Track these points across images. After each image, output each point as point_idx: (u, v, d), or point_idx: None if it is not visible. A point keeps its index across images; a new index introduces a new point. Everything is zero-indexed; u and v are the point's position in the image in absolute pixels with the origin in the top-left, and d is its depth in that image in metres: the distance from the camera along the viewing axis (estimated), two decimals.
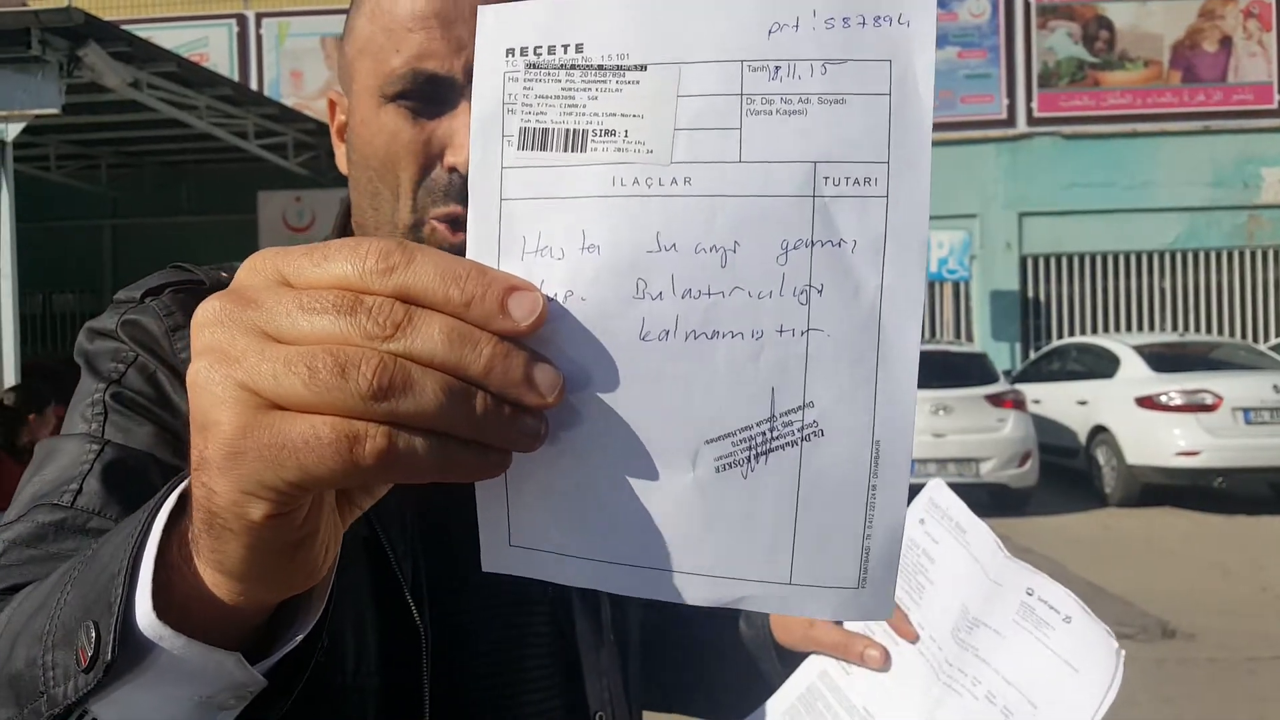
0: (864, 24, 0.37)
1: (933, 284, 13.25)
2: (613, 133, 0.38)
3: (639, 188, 0.38)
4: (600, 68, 0.38)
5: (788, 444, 0.38)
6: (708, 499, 0.39)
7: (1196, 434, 8.85)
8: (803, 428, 0.38)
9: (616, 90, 0.38)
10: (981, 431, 8.97)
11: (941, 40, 13.48)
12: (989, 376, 9.48)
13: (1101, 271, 13.66)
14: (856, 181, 0.37)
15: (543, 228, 0.38)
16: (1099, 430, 9.78)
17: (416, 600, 0.68)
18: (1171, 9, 13.39)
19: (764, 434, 0.38)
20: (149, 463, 0.64)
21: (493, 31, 0.39)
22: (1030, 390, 10.36)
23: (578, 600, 0.79)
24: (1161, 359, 9.68)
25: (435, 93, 0.67)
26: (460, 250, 0.41)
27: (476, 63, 0.40)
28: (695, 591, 0.40)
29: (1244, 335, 13.25)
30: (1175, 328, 13.35)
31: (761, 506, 0.39)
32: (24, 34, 7.70)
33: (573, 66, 0.38)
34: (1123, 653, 0.73)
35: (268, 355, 0.36)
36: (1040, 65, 13.48)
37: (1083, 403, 10.11)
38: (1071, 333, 13.28)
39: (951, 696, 0.78)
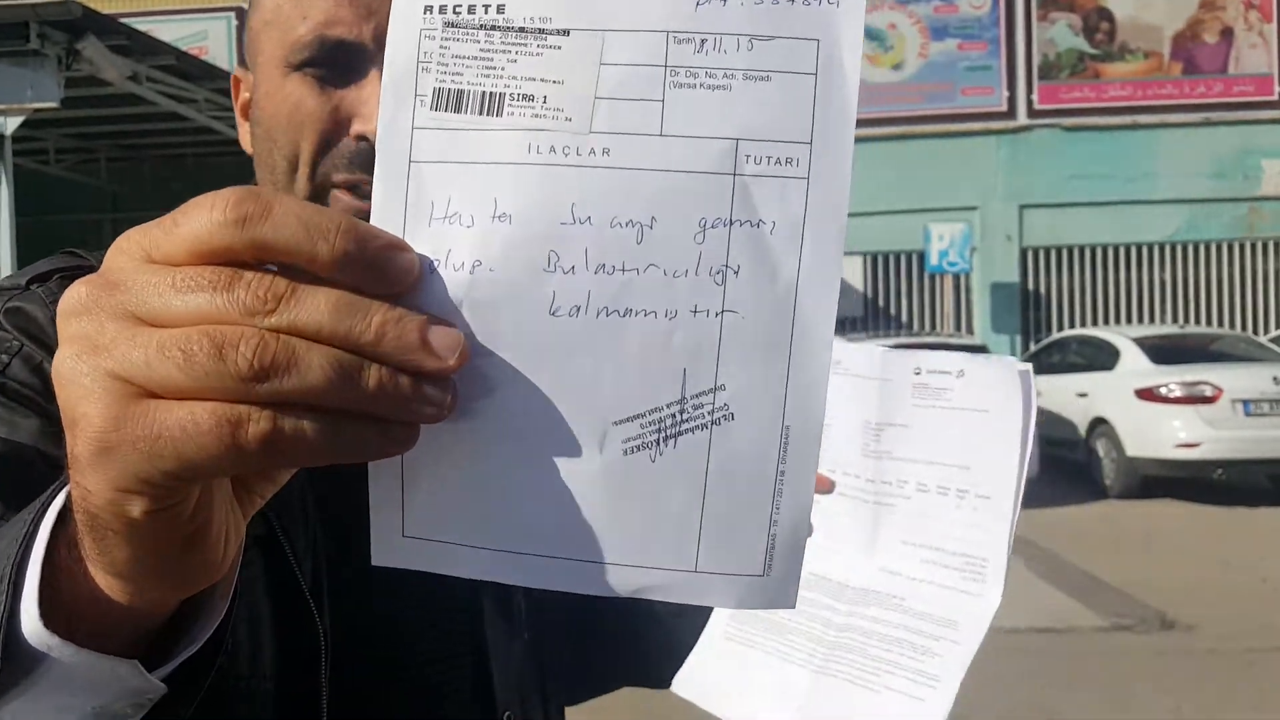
0: (793, 1, 0.37)
1: (933, 276, 13.24)
2: (531, 98, 0.37)
3: (555, 156, 0.36)
4: (521, 30, 0.37)
5: (697, 427, 0.37)
6: (615, 484, 0.38)
7: (1196, 426, 8.86)
8: (713, 411, 0.37)
9: (537, 54, 0.37)
10: None
11: (942, 32, 13.46)
12: None
13: (1102, 263, 13.65)
14: (778, 161, 0.37)
15: (453, 193, 0.37)
16: (1099, 422, 9.79)
17: (316, 600, 0.64)
18: (1172, 0, 13.36)
19: (674, 416, 0.37)
20: (35, 457, 0.59)
21: None
22: None
23: (490, 596, 0.75)
24: (1161, 351, 9.68)
25: (344, 60, 0.64)
26: (365, 217, 0.38)
27: (392, 17, 0.38)
28: (599, 581, 0.38)
29: (1244, 327, 13.25)
30: (1175, 320, 13.34)
31: (669, 492, 0.38)
32: (22, 27, 7.69)
33: (493, 27, 0.37)
34: (1029, 367, 0.71)
35: (139, 340, 0.34)
36: (1041, 57, 13.45)
37: (1083, 395, 10.12)
38: (1072, 325, 13.28)
39: (886, 513, 0.76)
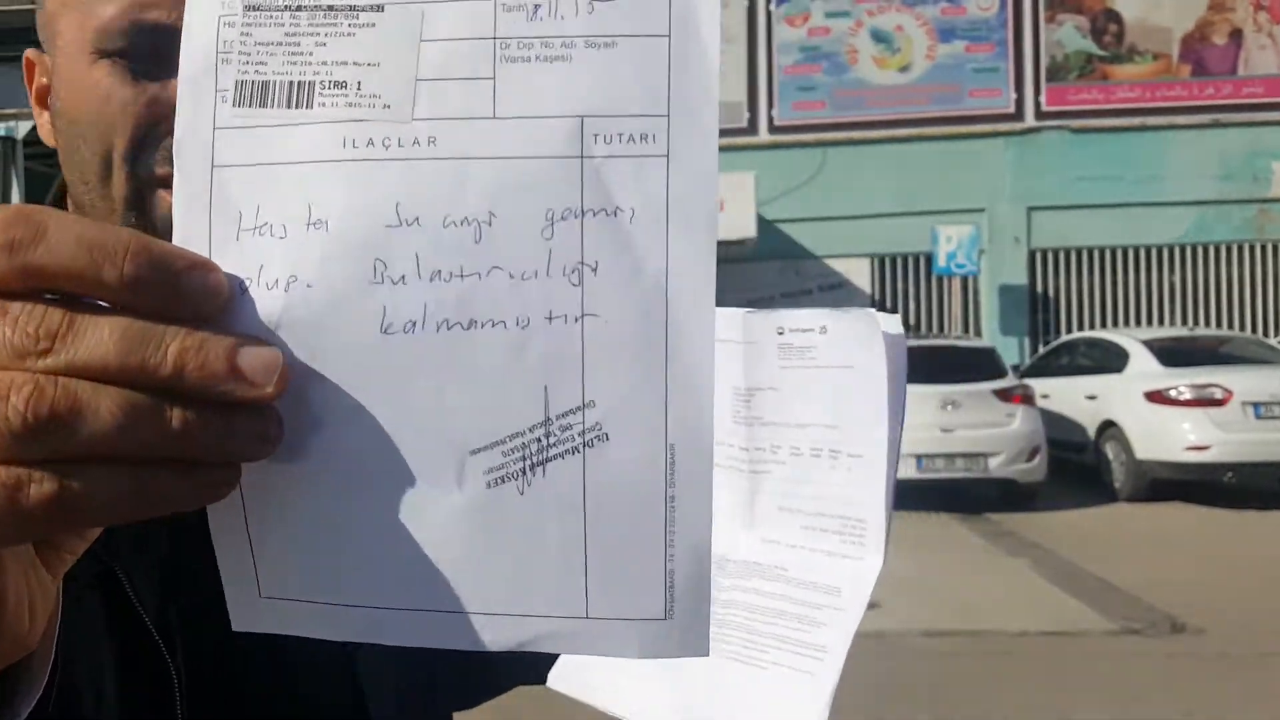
0: None
1: (941, 278, 13.22)
2: (344, 85, 0.32)
3: (374, 150, 0.32)
4: (330, 8, 0.32)
5: (567, 451, 0.32)
6: (481, 521, 0.33)
7: (1206, 428, 8.83)
8: (584, 431, 0.32)
9: (349, 34, 0.32)
10: (990, 426, 8.95)
11: (949, 34, 13.44)
12: (997, 371, 9.46)
13: (1110, 266, 13.61)
14: (632, 139, 0.32)
15: (262, 200, 0.32)
16: (1108, 425, 9.76)
17: (165, 637, 0.58)
18: (1181, 1, 13.32)
19: (539, 440, 0.32)
20: None
21: None
22: (1039, 385, 10.33)
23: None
24: (1171, 353, 9.65)
25: (159, 47, 0.57)
26: None
27: (187, 6, 0.33)
28: (476, 635, 0.34)
29: (1254, 329, 13.20)
30: (1185, 322, 13.29)
31: (544, 527, 0.33)
32: (31, 31, 7.71)
33: (298, 7, 0.32)
34: (896, 318, 0.66)
35: None
36: (1048, 59, 13.42)
37: (1092, 397, 10.09)
38: (1080, 327, 13.24)
39: (763, 481, 0.73)
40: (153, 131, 0.60)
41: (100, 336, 0.29)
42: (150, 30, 0.58)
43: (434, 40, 0.32)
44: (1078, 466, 10.41)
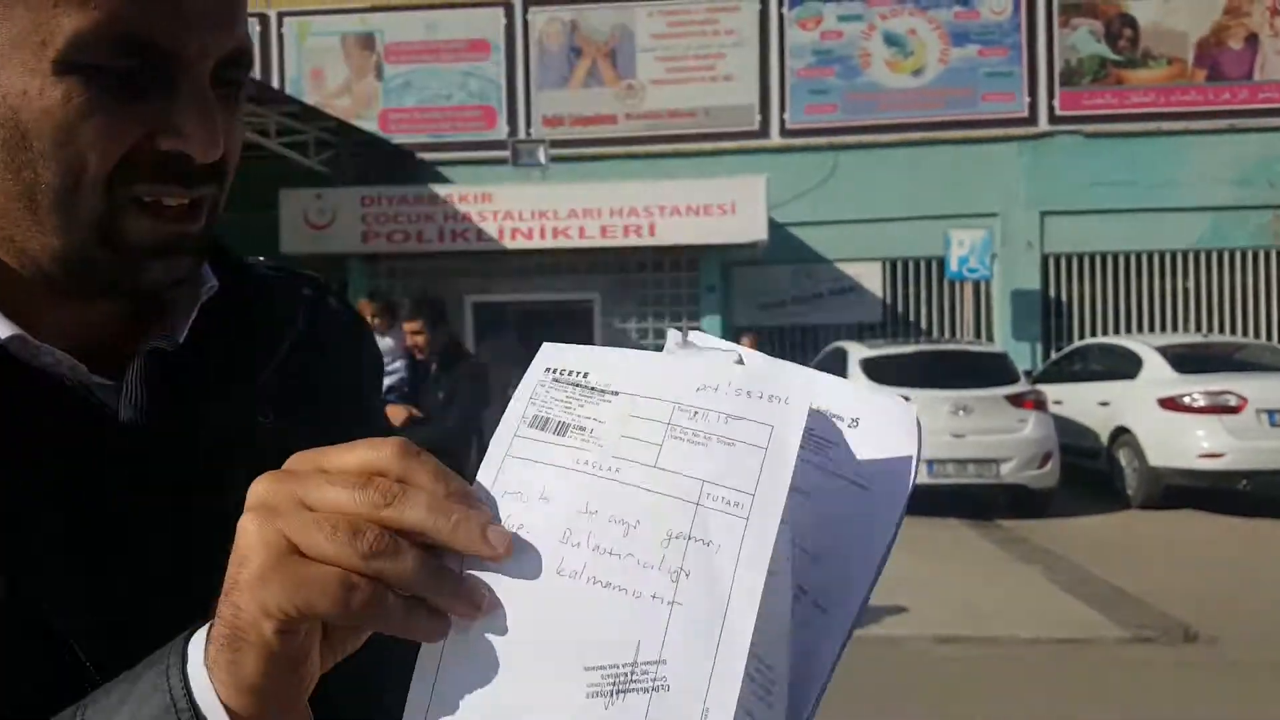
0: (761, 397, 0.51)
1: (953, 283, 13.18)
2: (584, 429, 0.52)
3: (588, 468, 0.51)
4: (592, 389, 0.54)
5: (641, 690, 0.47)
6: (574, 717, 0.47)
7: (1220, 436, 8.78)
8: (654, 679, 0.47)
9: (595, 404, 0.53)
10: (1002, 432, 8.93)
11: (963, 38, 13.41)
12: (1010, 376, 9.44)
13: (1124, 271, 13.56)
14: (729, 502, 0.49)
15: (522, 478, 0.51)
16: (1121, 431, 9.72)
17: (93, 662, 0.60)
18: (1196, 5, 13.27)
19: (626, 674, 0.47)
20: None
21: (549, 357, 0.55)
22: (1051, 391, 10.29)
23: None
24: (1185, 360, 9.61)
25: (144, 66, 0.56)
26: (172, 239, 0.59)
27: (527, 374, 0.55)
28: None
29: (1269, 336, 13.12)
30: (1199, 328, 13.22)
31: None
32: None
33: (576, 385, 0.54)
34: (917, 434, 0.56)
35: (302, 516, 0.47)
36: (1062, 63, 13.38)
37: (1104, 403, 10.05)
38: (1093, 333, 13.18)
39: None
40: (135, 151, 0.58)
41: (418, 506, 0.47)
42: (139, 50, 0.56)
43: (638, 417, 0.52)
44: (1090, 473, 10.37)
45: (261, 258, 0.84)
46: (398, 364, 5.80)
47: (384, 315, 6.59)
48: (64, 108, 0.56)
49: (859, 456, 0.56)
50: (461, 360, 5.39)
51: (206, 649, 0.49)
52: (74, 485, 0.61)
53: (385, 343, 5.72)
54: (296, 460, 0.50)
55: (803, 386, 0.52)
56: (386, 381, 4.05)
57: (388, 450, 0.48)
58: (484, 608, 0.48)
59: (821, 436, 0.57)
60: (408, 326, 5.38)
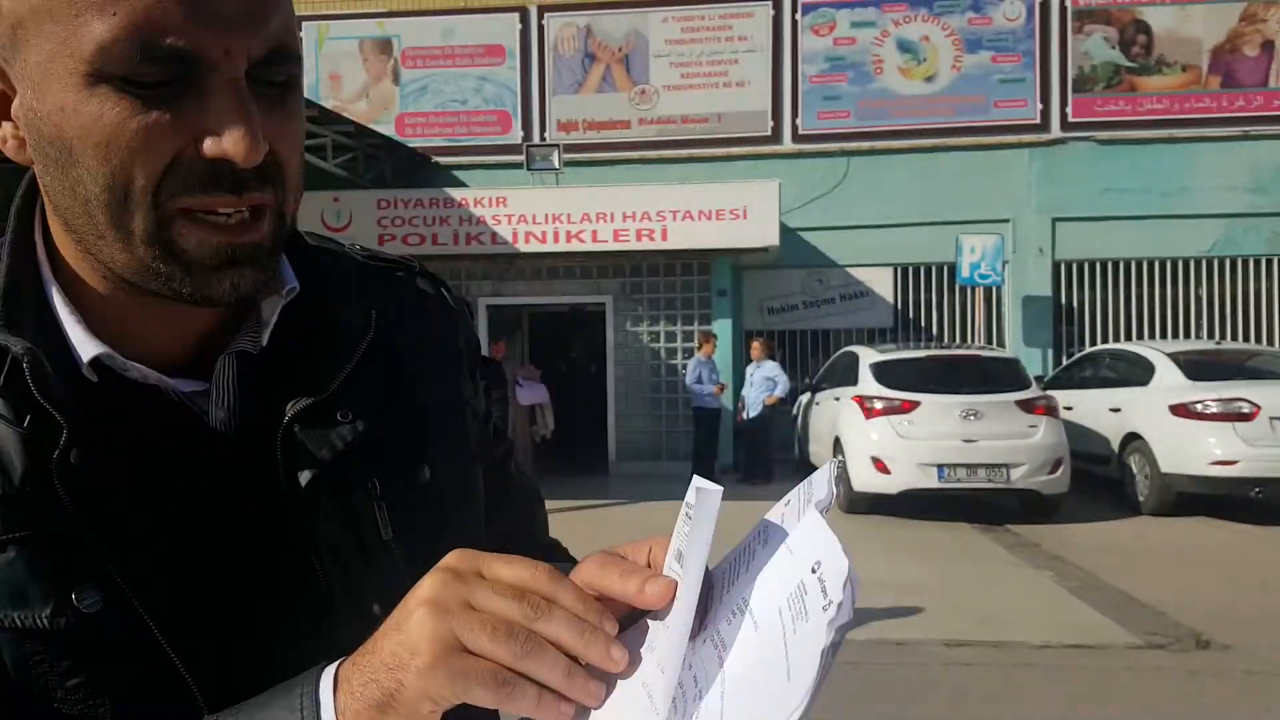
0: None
1: (964, 288, 13.18)
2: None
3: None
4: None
5: None
6: None
7: (1233, 443, 8.75)
8: None
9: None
10: (1013, 437, 8.93)
11: (976, 44, 13.41)
12: (1021, 382, 9.43)
13: (1136, 278, 13.53)
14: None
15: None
16: (1132, 438, 9.69)
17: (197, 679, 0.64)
18: (1211, 12, 13.24)
19: None
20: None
21: (690, 491, 0.58)
22: (1063, 396, 10.28)
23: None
24: (1197, 367, 9.58)
25: (175, 71, 0.57)
26: (234, 249, 0.61)
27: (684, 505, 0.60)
28: None
29: None
30: (1211, 335, 13.18)
31: None
32: None
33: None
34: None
35: (469, 617, 0.55)
36: (1075, 69, 13.37)
37: (1116, 410, 10.03)
38: (1105, 339, 13.16)
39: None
40: (176, 158, 0.58)
41: (561, 622, 0.55)
42: (170, 58, 0.56)
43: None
44: (1101, 479, 10.35)
45: (358, 245, 0.85)
46: None
47: None
48: (100, 121, 0.56)
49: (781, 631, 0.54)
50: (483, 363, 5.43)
51: (338, 696, 0.56)
52: (169, 489, 0.65)
53: None
54: (459, 559, 0.58)
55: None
56: None
57: (540, 573, 0.57)
58: (600, 700, 0.57)
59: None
60: None
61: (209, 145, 0.58)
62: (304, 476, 0.69)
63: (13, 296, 0.63)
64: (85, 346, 0.64)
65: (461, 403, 0.84)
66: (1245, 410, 8.81)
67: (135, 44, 0.55)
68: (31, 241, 0.67)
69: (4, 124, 0.62)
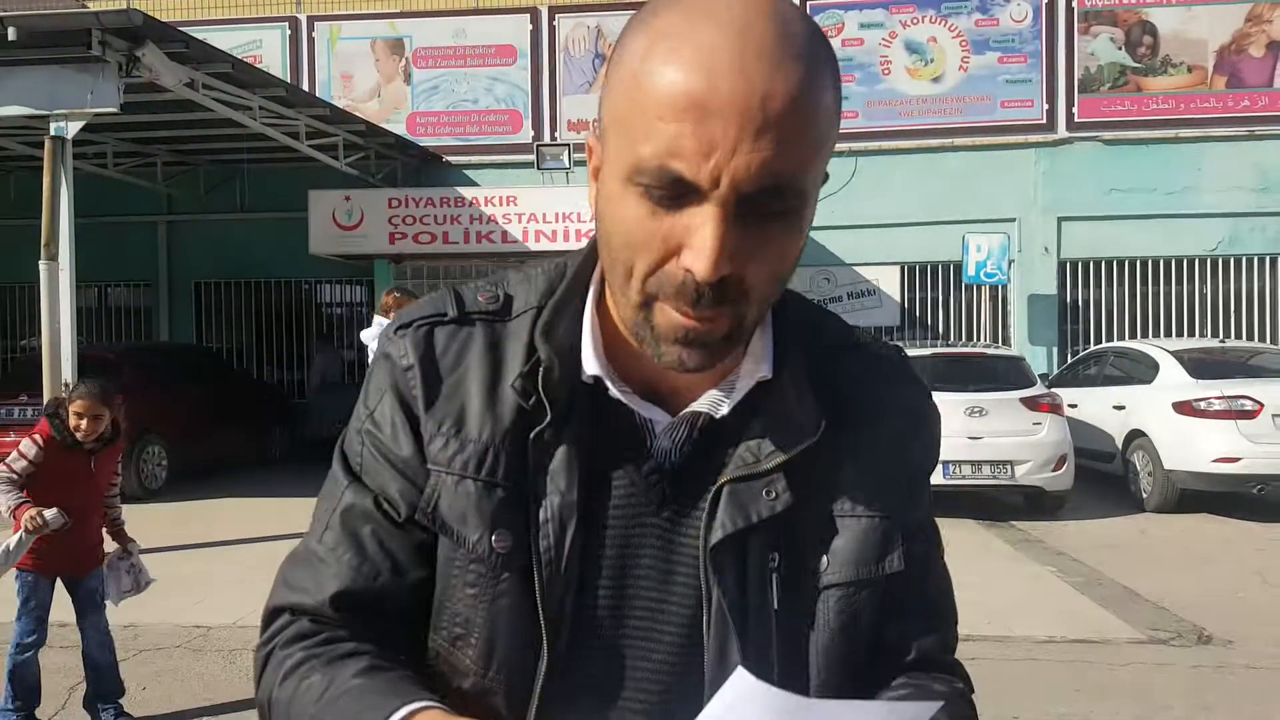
0: None
1: (971, 287, 13.25)
2: None
3: None
4: None
5: None
6: None
7: (1236, 440, 8.81)
8: None
9: None
10: (1017, 434, 8.99)
11: (983, 45, 13.46)
12: (1026, 380, 9.49)
13: (1141, 277, 13.58)
14: None
15: None
16: (1136, 435, 9.75)
17: (553, 627, 0.83)
18: (1218, 13, 13.28)
19: None
20: (374, 505, 0.86)
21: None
22: (1067, 394, 10.34)
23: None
24: (1201, 365, 9.63)
25: (679, 190, 0.70)
26: (689, 333, 0.75)
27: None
28: None
29: None
30: (1216, 334, 13.23)
31: None
32: (85, 34, 7.95)
33: None
34: None
35: None
36: (1082, 70, 13.42)
37: (1120, 407, 10.09)
38: (1110, 338, 13.21)
39: None
40: (664, 258, 0.73)
41: None
42: (675, 180, 0.70)
43: None
44: (1105, 476, 10.40)
45: (869, 338, 0.94)
46: None
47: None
48: (624, 217, 0.74)
49: None
50: None
51: None
52: (602, 486, 0.83)
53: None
54: None
55: None
56: None
57: None
58: None
59: None
60: None
61: (684, 255, 0.72)
62: (716, 535, 0.82)
63: (559, 314, 0.85)
64: (590, 364, 0.83)
65: (912, 498, 0.91)
66: (1248, 408, 8.87)
67: (655, 165, 0.70)
68: (589, 274, 0.88)
69: (595, 185, 0.80)
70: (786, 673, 0.81)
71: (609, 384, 0.83)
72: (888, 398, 0.90)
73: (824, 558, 0.84)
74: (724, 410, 0.83)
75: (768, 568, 0.82)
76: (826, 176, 0.79)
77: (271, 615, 0.87)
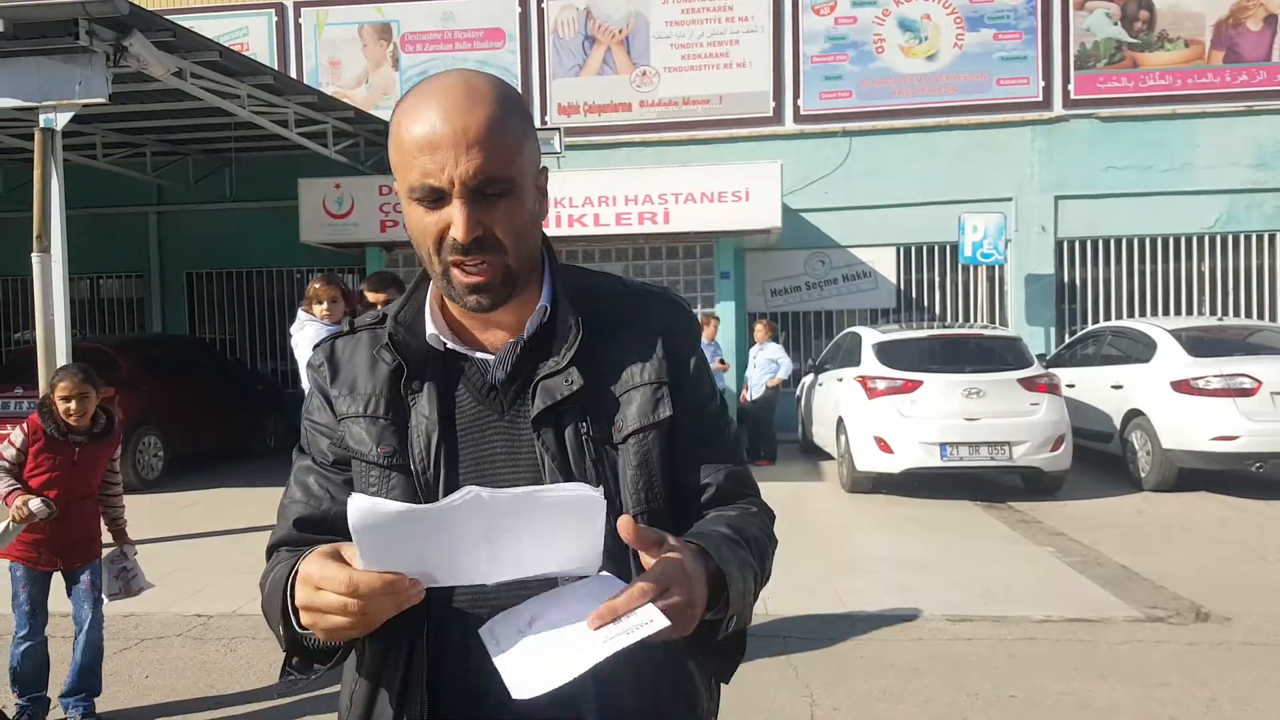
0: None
1: (967, 267, 13.20)
2: None
3: None
4: None
5: None
6: None
7: (1234, 418, 8.79)
8: None
9: None
10: (1015, 415, 8.97)
11: (977, 22, 13.38)
12: (1023, 360, 9.47)
13: (1139, 255, 13.54)
14: None
15: None
16: (1134, 414, 9.73)
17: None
18: None
19: None
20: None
21: None
22: (1064, 374, 10.32)
23: None
24: (1199, 343, 9.60)
25: (435, 195, 1.12)
26: (478, 285, 1.16)
27: None
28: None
29: None
30: (1214, 312, 13.20)
31: None
32: (72, 24, 7.86)
33: None
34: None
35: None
36: (1078, 46, 13.34)
37: (1118, 387, 10.07)
38: (1107, 317, 13.18)
39: None
40: (441, 238, 1.13)
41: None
42: (430, 189, 1.11)
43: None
44: (1103, 456, 10.40)
45: (637, 283, 1.35)
46: None
47: (331, 296, 4.90)
48: (413, 221, 1.16)
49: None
50: None
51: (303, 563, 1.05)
52: (464, 409, 1.22)
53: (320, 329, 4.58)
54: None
55: None
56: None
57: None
58: None
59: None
60: (374, 297, 4.64)
61: (450, 230, 1.12)
62: (534, 411, 1.20)
63: (407, 304, 1.28)
64: (430, 329, 1.24)
65: (658, 380, 1.26)
66: (1246, 386, 8.84)
67: (417, 184, 1.11)
68: (428, 277, 1.25)
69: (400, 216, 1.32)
70: (609, 506, 1.07)
71: (445, 341, 1.23)
72: (646, 311, 1.30)
73: (619, 421, 1.22)
74: (525, 335, 1.22)
75: (581, 434, 1.20)
76: (545, 170, 1.23)
77: (267, 554, 1.26)
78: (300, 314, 4.69)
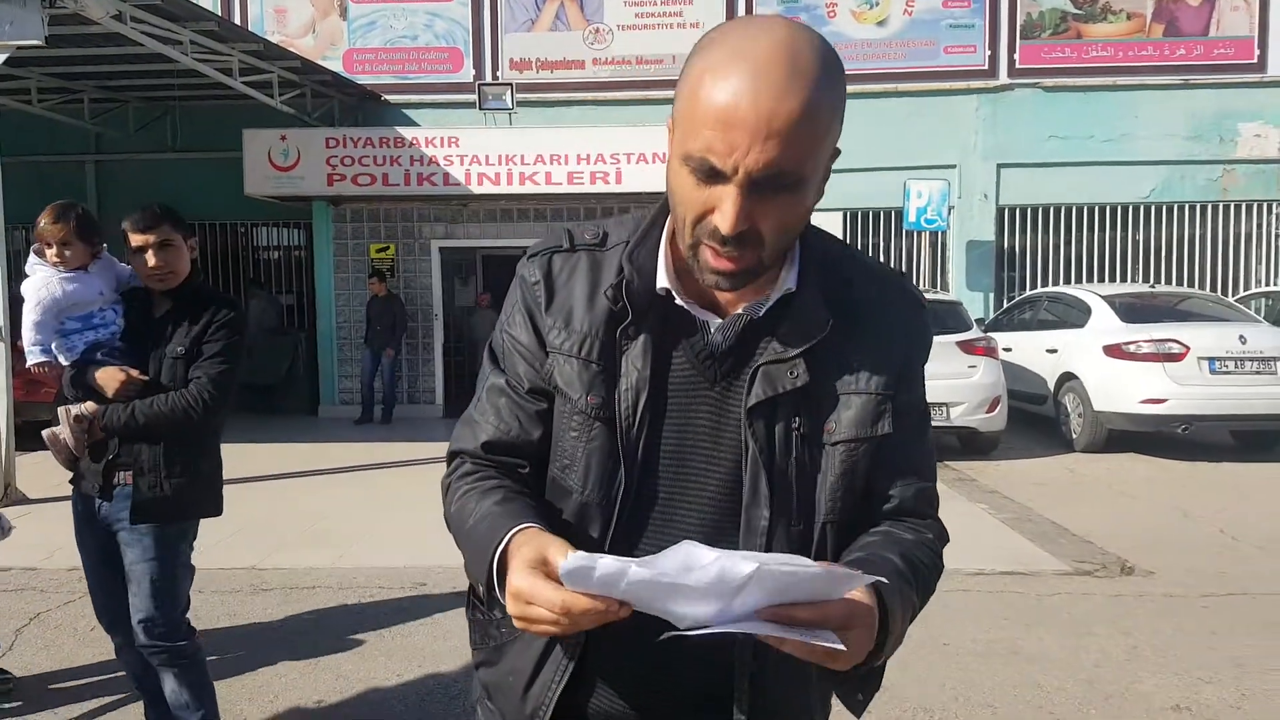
0: None
1: (911, 233, 13.40)
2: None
3: None
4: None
5: None
6: None
7: (1162, 382, 9.09)
8: None
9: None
10: (953, 377, 9.17)
11: None
12: (962, 324, 9.67)
13: (1077, 223, 13.83)
14: None
15: None
16: (1068, 378, 10.01)
17: (629, 460, 1.19)
18: None
19: None
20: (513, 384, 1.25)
21: None
22: (1002, 338, 10.56)
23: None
24: (1131, 309, 9.89)
25: (713, 173, 1.02)
26: (724, 271, 1.08)
27: None
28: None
29: (1215, 288, 13.50)
30: (1148, 279, 13.57)
31: None
32: None
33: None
34: None
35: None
36: (1024, 16, 13.50)
37: (1053, 351, 10.34)
38: (1046, 283, 13.48)
39: None
40: (704, 215, 1.05)
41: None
42: (710, 167, 1.02)
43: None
44: (1037, 418, 10.70)
45: (878, 265, 1.28)
46: (108, 313, 3.35)
47: (61, 237, 3.46)
48: (680, 184, 1.07)
49: None
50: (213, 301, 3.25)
51: (511, 545, 1.06)
52: (677, 367, 1.18)
53: (91, 283, 3.42)
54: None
55: None
56: (94, 337, 3.27)
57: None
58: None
59: None
60: (138, 240, 3.15)
61: (715, 215, 1.04)
62: (751, 400, 1.15)
63: (641, 245, 1.20)
64: (662, 279, 1.18)
65: (903, 379, 1.21)
66: (1175, 351, 9.15)
67: (697, 156, 1.02)
68: (664, 218, 1.20)
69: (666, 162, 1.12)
70: (802, 506, 1.16)
71: (675, 295, 1.17)
72: (888, 309, 1.21)
73: (833, 422, 1.16)
74: (760, 313, 1.16)
75: (791, 429, 1.15)
76: (838, 151, 1.11)
77: (449, 458, 1.28)
78: (32, 256, 3.45)
